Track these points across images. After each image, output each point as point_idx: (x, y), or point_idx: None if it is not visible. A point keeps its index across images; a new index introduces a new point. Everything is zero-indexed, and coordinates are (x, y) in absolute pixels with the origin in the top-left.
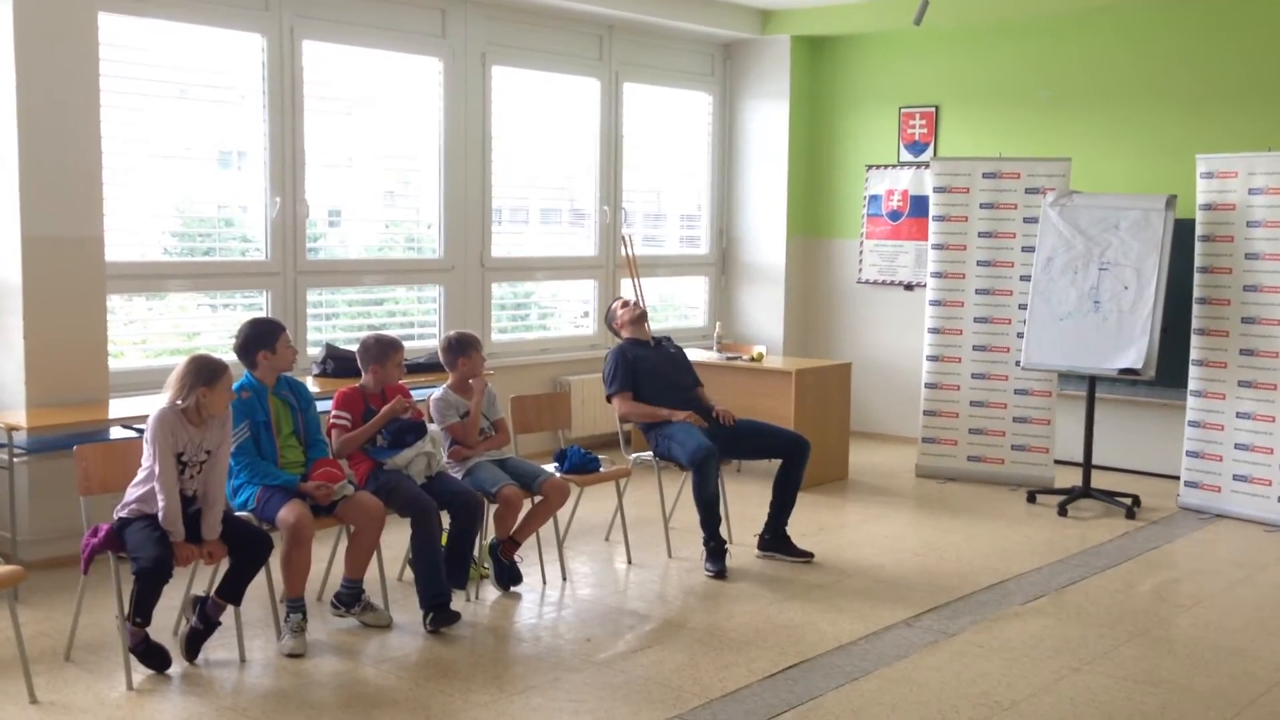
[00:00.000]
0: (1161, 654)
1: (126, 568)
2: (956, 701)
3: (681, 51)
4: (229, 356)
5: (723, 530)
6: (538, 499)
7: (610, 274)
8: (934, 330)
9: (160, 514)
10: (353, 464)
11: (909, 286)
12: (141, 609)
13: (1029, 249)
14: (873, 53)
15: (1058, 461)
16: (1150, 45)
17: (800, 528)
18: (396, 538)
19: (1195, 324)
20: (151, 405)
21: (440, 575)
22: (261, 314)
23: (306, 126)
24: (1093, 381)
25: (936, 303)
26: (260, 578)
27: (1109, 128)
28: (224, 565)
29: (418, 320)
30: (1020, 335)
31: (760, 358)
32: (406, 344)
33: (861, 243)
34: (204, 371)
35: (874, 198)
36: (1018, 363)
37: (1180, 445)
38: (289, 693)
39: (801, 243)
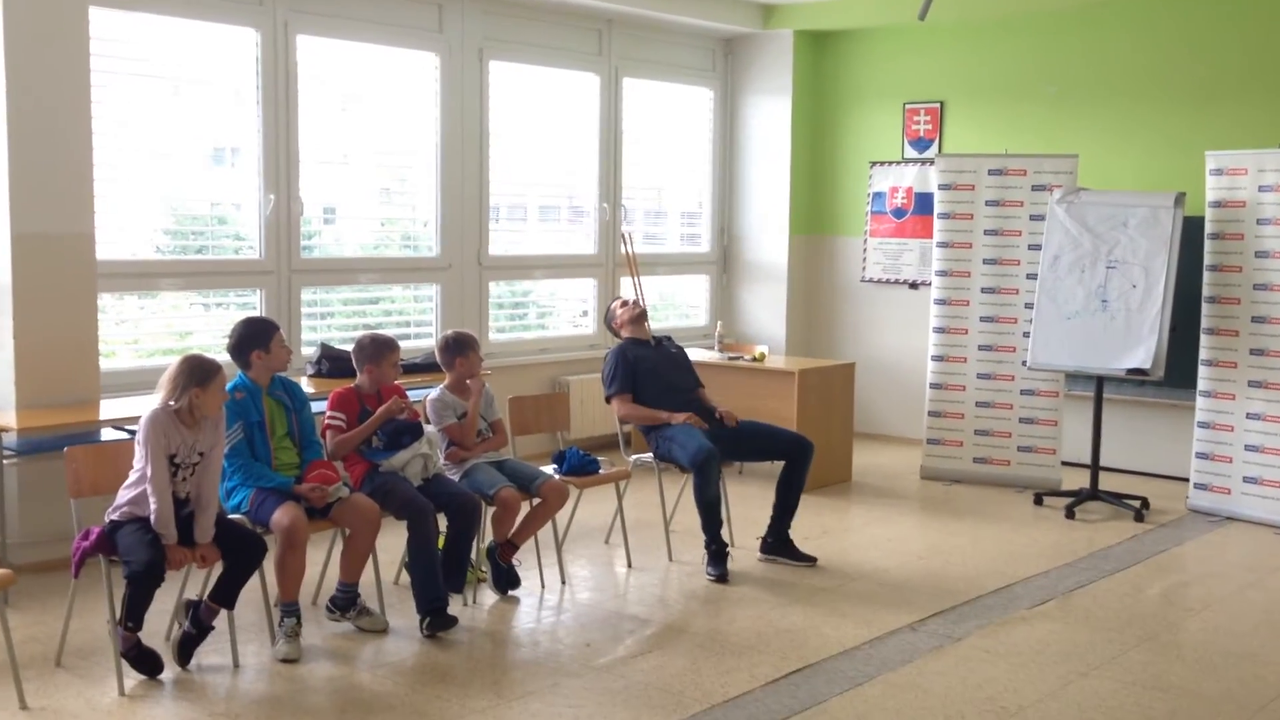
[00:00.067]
0: (1170, 659)
1: (118, 571)
2: (962, 707)
3: (682, 46)
4: (222, 356)
5: (724, 533)
6: (536, 501)
7: (610, 272)
8: (939, 330)
9: (152, 517)
10: (348, 466)
11: (914, 285)
12: (133, 613)
13: (1035, 247)
14: (876, 47)
15: (1065, 463)
16: (1158, 39)
17: (803, 531)
18: (392, 541)
19: (1205, 323)
20: (143, 406)
21: (437, 579)
22: (255, 313)
23: (301, 123)
24: (1100, 382)
25: (941, 301)
26: (254, 581)
27: (1117, 124)
28: (217, 569)
29: (414, 320)
30: (1027, 335)
31: (762, 357)
32: (403, 344)
33: (865, 240)
34: (197, 372)
35: (878, 195)
36: (1024, 363)
37: (1189, 447)
38: (283, 698)
39: (804, 240)
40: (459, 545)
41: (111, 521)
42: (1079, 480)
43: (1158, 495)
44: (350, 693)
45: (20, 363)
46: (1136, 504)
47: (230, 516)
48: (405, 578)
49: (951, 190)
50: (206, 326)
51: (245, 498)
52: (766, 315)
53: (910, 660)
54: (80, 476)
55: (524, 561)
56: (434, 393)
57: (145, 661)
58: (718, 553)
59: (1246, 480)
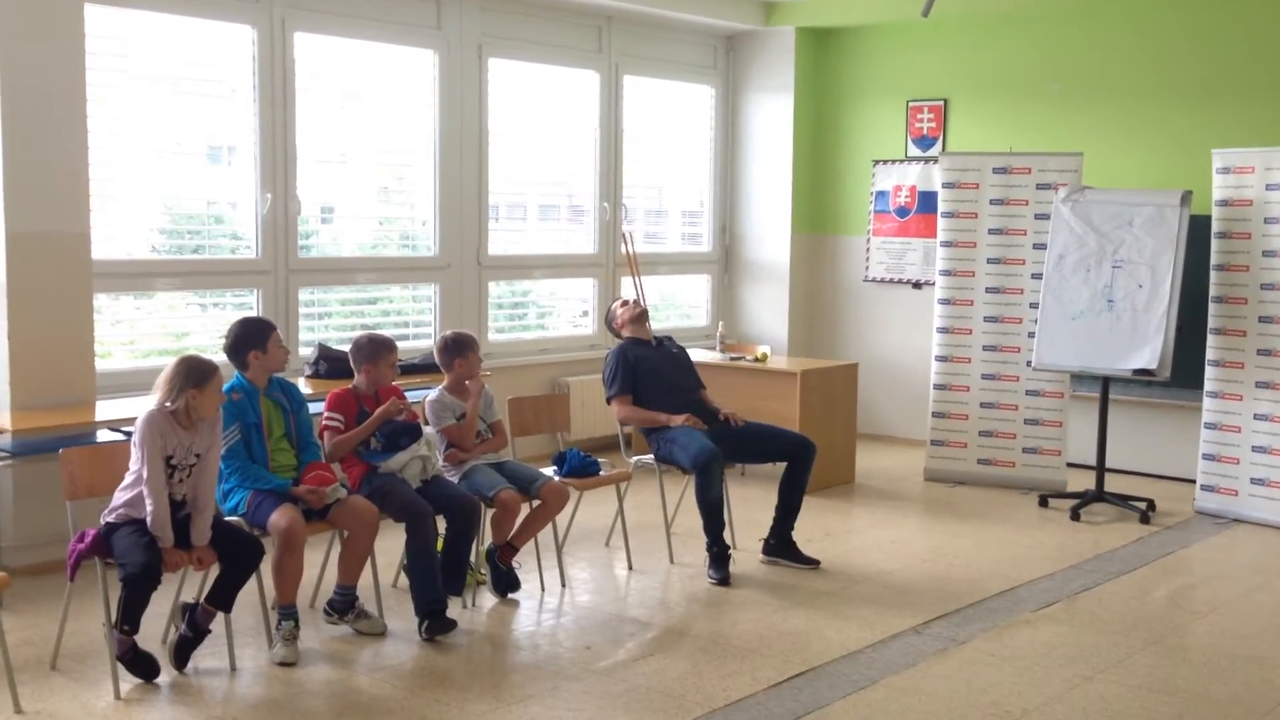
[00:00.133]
0: (1177, 662)
1: (114, 574)
2: (966, 711)
3: (683, 43)
4: (219, 357)
5: (726, 535)
6: (536, 503)
7: (610, 272)
8: (943, 330)
9: (148, 519)
10: (346, 467)
11: (917, 285)
12: (129, 616)
13: (1040, 246)
14: (879, 44)
15: (1070, 465)
16: (1164, 36)
17: (806, 533)
18: (391, 543)
19: (1211, 323)
20: (139, 407)
21: (436, 582)
22: (252, 313)
23: (298, 121)
24: (1106, 382)
25: (945, 301)
26: (251, 584)
27: (1122, 121)
28: (214, 571)
29: (413, 320)
30: (1031, 335)
31: (764, 358)
32: (401, 344)
33: (868, 240)
34: (194, 372)
35: (881, 193)
36: (1029, 363)
37: (1196, 448)
38: (280, 702)
39: (806, 240)
40: (458, 548)
41: (107, 524)
42: (1084, 482)
43: (1164, 497)
44: (348, 696)
45: (15, 363)
46: (1142, 506)
47: (227, 518)
48: (404, 580)
49: (955, 189)
50: (203, 327)
51: (242, 499)
52: (768, 315)
53: (914, 664)
54: (76, 478)
55: (524, 564)
56: (433, 394)
57: (141, 665)
58: (719, 555)
59: (1254, 482)
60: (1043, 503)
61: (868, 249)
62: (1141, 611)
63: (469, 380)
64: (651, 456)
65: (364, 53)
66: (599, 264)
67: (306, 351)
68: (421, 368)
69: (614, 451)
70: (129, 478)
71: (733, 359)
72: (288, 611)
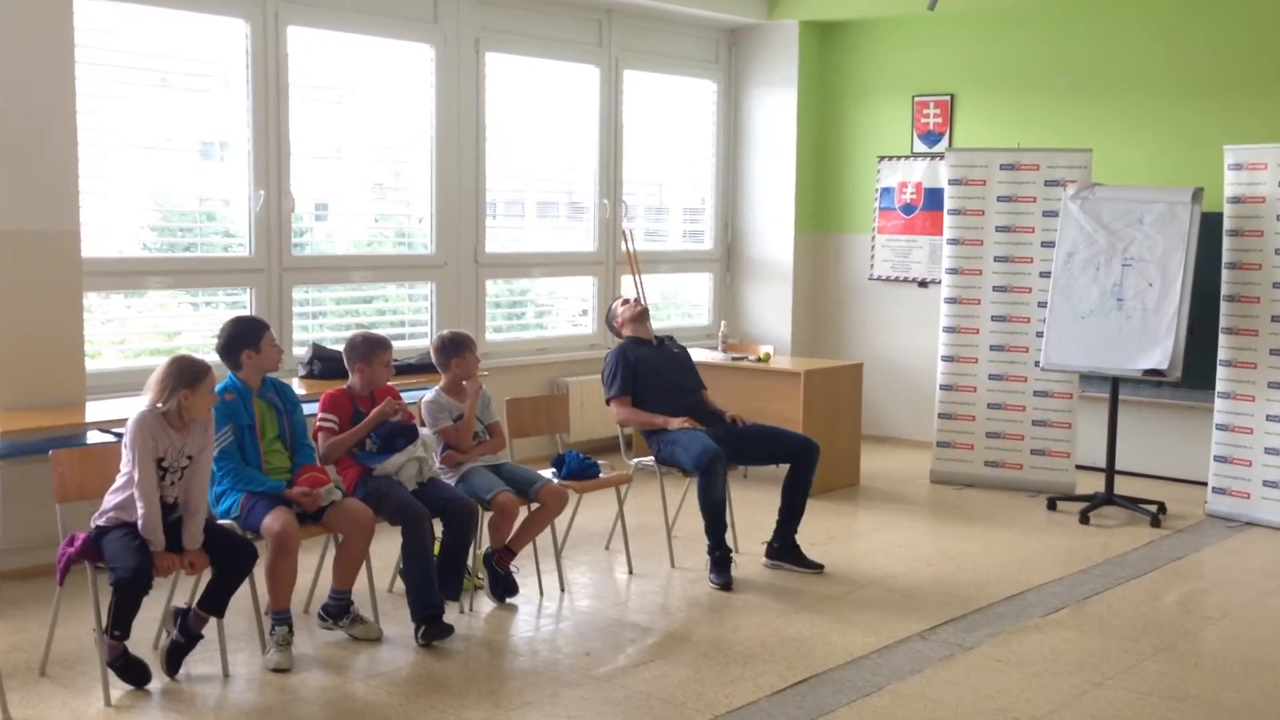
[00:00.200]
0: (1188, 668)
1: (104, 578)
2: (973, 718)
3: (685, 37)
4: (211, 357)
5: (728, 539)
6: (534, 506)
7: (610, 270)
8: (949, 329)
9: (139, 522)
10: (341, 469)
11: (923, 283)
12: (120, 621)
13: (1049, 244)
14: (885, 38)
15: (1079, 467)
16: (1175, 29)
17: (810, 536)
18: (386, 547)
19: (1223, 322)
20: (130, 408)
21: (432, 586)
22: (245, 312)
23: (292, 116)
24: (1116, 383)
25: (952, 300)
26: (244, 589)
27: (1132, 117)
28: (206, 576)
29: (409, 319)
30: (1040, 334)
31: (767, 358)
32: (397, 344)
33: (873, 237)
34: (186, 373)
35: (886, 190)
36: (1037, 363)
37: (1207, 450)
38: (274, 709)
39: (810, 237)
40: (455, 551)
41: (97, 527)
42: (1094, 484)
43: (1175, 500)
44: (343, 703)
45: (3, 363)
46: (1153, 509)
47: (220, 522)
48: (400, 585)
49: (962, 185)
50: (195, 326)
51: (235, 502)
52: (771, 314)
53: (920, 670)
54: (66, 481)
55: (522, 568)
56: (429, 394)
57: (132, 671)
58: (721, 559)
59: (1267, 484)
60: (1051, 506)
61: (873, 247)
62: (1152, 617)
63: (466, 381)
64: (652, 458)
65: (359, 47)
66: (599, 262)
67: (300, 351)
68: (418, 368)
69: (614, 453)
70: (120, 480)
71: (735, 359)
72: (281, 617)
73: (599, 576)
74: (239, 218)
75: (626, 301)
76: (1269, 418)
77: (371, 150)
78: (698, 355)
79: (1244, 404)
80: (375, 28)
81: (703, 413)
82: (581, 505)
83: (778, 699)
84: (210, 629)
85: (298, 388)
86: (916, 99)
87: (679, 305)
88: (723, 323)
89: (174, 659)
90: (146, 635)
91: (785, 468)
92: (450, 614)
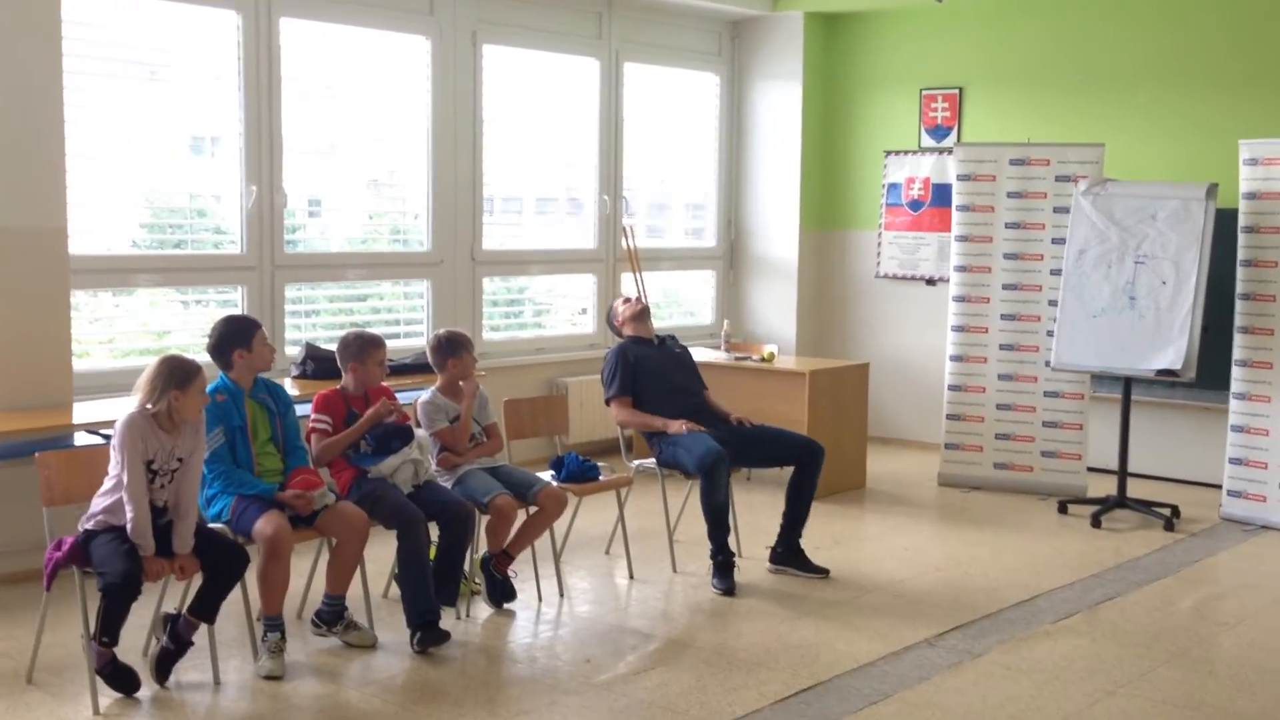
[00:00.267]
0: (1202, 675)
1: (92, 583)
2: None
3: (687, 29)
4: (202, 357)
5: (731, 543)
6: (533, 510)
7: (610, 268)
8: (958, 328)
9: (128, 526)
10: (334, 472)
11: (931, 281)
12: (108, 628)
13: (1060, 241)
14: (892, 30)
15: (1091, 469)
16: (1189, 21)
17: (814, 540)
18: (381, 551)
19: (1238, 321)
20: (119, 409)
21: (428, 591)
22: (236, 311)
23: (284, 110)
24: (1128, 383)
25: (960, 299)
26: (235, 594)
27: (1145, 111)
28: (197, 581)
29: (404, 318)
30: (1050, 334)
31: (771, 358)
32: (392, 343)
33: (880, 234)
34: (176, 373)
35: (893, 186)
36: (1048, 363)
37: (1222, 452)
38: (266, 717)
39: (815, 234)
40: (452, 556)
41: (85, 531)
42: (1106, 487)
43: (1189, 503)
44: (337, 711)
45: None
46: (1166, 512)
47: (210, 526)
48: (395, 590)
49: (971, 181)
50: (185, 325)
51: (226, 506)
52: (776, 313)
53: (928, 677)
54: (53, 483)
55: (520, 573)
56: (425, 395)
57: (121, 678)
58: (724, 564)
59: None
60: (1062, 509)
61: (879, 244)
62: (1165, 623)
63: (463, 381)
64: (653, 460)
65: (353, 39)
66: (598, 259)
67: (293, 351)
68: (413, 368)
69: (614, 455)
70: (108, 483)
71: (738, 359)
72: (273, 623)
73: (599, 581)
74: (230, 214)
75: (627, 300)
76: None
77: (366, 145)
78: (700, 355)
79: (1260, 405)
80: (369, 19)
81: (705, 414)
82: (581, 508)
83: (782, 707)
84: (201, 635)
85: (290, 388)
86: (924, 92)
87: (681, 304)
88: (725, 322)
89: (164, 666)
90: (136, 642)
91: (789, 470)
92: (447, 620)
